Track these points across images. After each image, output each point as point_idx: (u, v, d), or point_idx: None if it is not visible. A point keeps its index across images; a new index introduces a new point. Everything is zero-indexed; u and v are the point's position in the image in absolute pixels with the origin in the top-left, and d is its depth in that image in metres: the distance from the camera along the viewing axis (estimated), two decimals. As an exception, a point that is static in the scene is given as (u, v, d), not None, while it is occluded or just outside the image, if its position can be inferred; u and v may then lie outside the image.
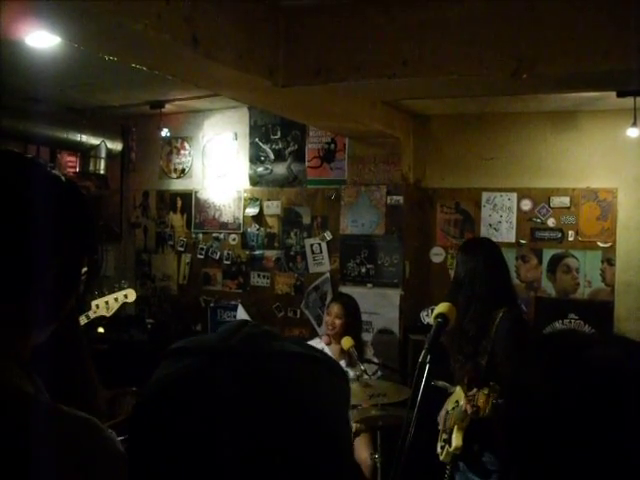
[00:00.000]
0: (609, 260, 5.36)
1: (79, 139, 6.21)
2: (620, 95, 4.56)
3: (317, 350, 0.81)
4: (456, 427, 3.28)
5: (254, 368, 0.72)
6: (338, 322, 4.82)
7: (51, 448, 0.92)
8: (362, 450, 4.33)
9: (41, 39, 3.29)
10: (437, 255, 5.88)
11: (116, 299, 3.90)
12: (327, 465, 0.73)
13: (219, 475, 0.70)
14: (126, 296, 3.97)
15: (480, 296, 3.29)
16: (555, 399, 0.84)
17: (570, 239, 5.47)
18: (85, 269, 1.13)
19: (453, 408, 3.37)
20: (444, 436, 3.44)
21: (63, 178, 1.11)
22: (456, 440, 3.26)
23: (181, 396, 0.72)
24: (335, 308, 4.87)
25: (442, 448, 3.46)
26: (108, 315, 3.87)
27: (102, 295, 3.83)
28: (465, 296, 3.30)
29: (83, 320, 3.65)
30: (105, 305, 3.83)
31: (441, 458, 3.47)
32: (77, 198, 1.11)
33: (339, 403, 0.78)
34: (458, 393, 3.37)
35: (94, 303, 3.78)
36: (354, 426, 4.22)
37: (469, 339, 3.26)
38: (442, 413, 3.45)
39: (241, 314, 6.11)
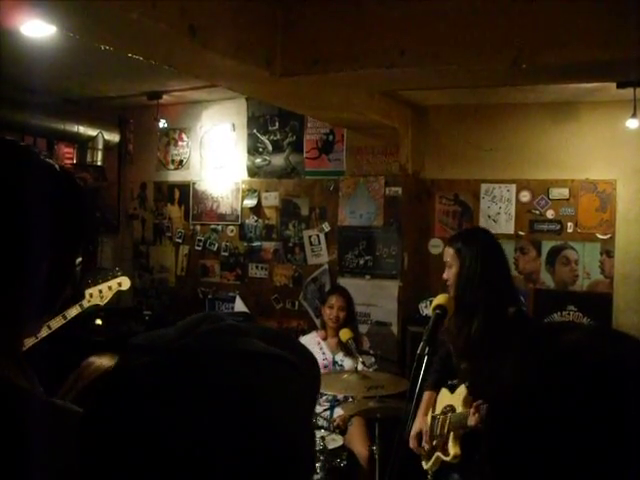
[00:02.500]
0: (608, 252, 5.35)
1: (76, 130, 6.18)
2: (620, 86, 4.54)
3: (287, 344, 0.78)
4: (452, 434, 3.07)
5: (205, 371, 0.69)
6: (342, 314, 4.81)
7: (44, 442, 0.91)
8: (360, 442, 4.34)
9: (36, 28, 3.26)
10: (435, 247, 5.86)
11: (110, 287, 3.85)
12: (285, 466, 0.70)
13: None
14: (120, 284, 3.91)
15: (493, 292, 3.01)
16: (524, 388, 0.84)
17: (569, 231, 5.46)
18: (79, 260, 1.11)
19: (444, 413, 3.16)
20: (432, 443, 3.20)
21: (57, 166, 1.08)
22: (454, 448, 3.04)
23: (128, 399, 0.69)
24: (338, 300, 4.85)
25: (429, 457, 3.20)
26: (102, 304, 3.83)
27: (96, 284, 3.79)
28: (477, 292, 3.01)
29: (77, 310, 3.62)
30: (99, 294, 3.78)
31: (426, 467, 3.22)
32: (71, 187, 1.09)
33: (296, 405, 0.75)
34: (450, 396, 3.18)
35: (87, 292, 3.73)
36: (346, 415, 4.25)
37: (479, 339, 2.98)
38: (424, 419, 3.22)
39: (239, 306, 6.10)
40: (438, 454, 3.15)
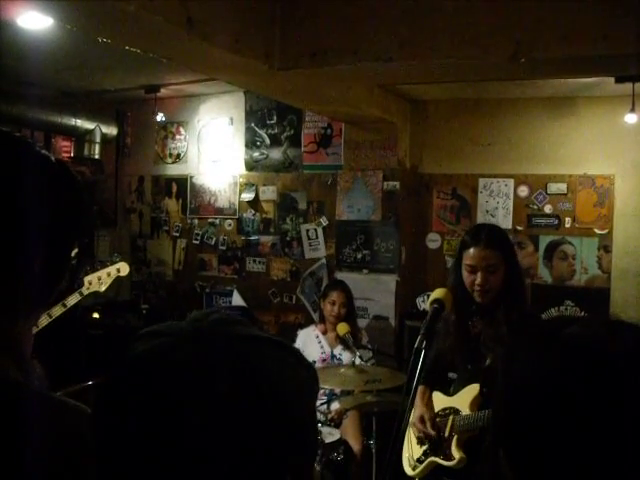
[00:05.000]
0: (605, 247, 5.35)
1: (73, 123, 6.16)
2: (618, 81, 4.53)
3: (285, 340, 0.84)
4: (456, 438, 2.92)
5: (219, 349, 0.75)
6: (343, 310, 4.79)
7: (39, 434, 0.91)
8: (353, 435, 4.34)
9: (33, 20, 3.25)
10: (433, 241, 5.86)
11: (109, 274, 3.85)
12: (292, 449, 0.75)
13: (179, 455, 0.70)
14: (119, 270, 3.92)
15: (516, 292, 2.88)
16: (534, 382, 0.84)
17: (567, 226, 5.46)
18: (75, 251, 1.10)
19: (442, 416, 3.01)
20: (423, 447, 3.05)
21: (53, 158, 1.08)
22: (459, 452, 2.89)
23: (146, 375, 0.74)
24: (339, 296, 4.82)
25: (420, 461, 3.03)
26: (102, 291, 3.83)
27: (94, 271, 3.79)
28: (519, 294, 2.89)
29: (76, 297, 3.61)
30: (98, 281, 3.78)
31: (412, 473, 3.05)
32: (67, 178, 1.08)
33: (303, 391, 0.80)
34: (449, 399, 3.04)
35: (86, 279, 3.73)
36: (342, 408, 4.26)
37: (494, 340, 2.80)
38: (418, 415, 3.04)
39: (237, 300, 6.09)
40: (433, 459, 2.99)
